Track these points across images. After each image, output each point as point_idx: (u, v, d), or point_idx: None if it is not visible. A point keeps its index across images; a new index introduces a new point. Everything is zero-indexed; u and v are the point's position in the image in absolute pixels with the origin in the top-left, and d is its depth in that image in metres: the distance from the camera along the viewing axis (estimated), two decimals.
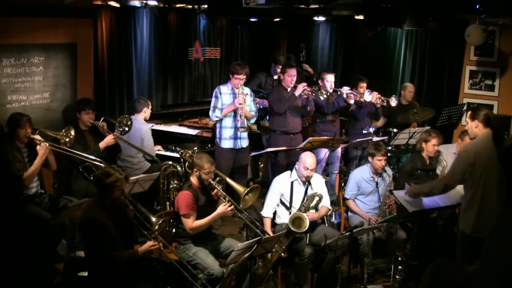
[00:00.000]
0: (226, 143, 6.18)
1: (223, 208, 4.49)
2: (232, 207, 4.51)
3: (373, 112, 6.89)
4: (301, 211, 4.86)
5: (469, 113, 4.48)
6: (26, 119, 4.86)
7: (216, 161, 5.98)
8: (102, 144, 5.60)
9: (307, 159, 5.02)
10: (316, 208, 5.02)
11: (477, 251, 3.52)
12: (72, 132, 5.20)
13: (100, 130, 5.76)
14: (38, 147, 4.84)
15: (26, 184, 4.86)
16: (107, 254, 3.88)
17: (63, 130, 5.18)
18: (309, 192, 5.05)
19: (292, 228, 4.67)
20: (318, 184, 5.17)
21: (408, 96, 7.46)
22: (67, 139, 5.15)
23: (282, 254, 4.65)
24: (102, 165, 5.07)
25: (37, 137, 4.92)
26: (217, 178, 4.78)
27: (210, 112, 6.18)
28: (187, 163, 5.51)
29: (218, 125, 6.22)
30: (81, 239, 4.35)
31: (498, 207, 4.09)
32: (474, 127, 4.36)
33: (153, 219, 4.22)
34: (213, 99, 6.16)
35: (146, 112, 6.15)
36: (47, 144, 4.90)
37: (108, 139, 5.64)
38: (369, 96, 6.58)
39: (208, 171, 4.55)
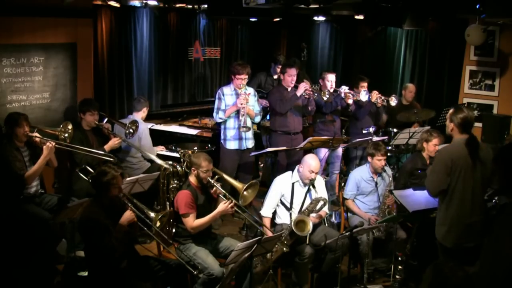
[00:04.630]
0: (231, 144, 6.17)
1: (224, 206, 4.47)
2: (233, 204, 4.50)
3: (374, 111, 6.89)
4: (305, 214, 4.84)
5: (450, 111, 4.11)
6: (23, 117, 4.87)
7: (220, 163, 6.01)
8: (107, 147, 5.60)
9: (312, 162, 4.99)
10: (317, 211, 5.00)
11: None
12: (70, 127, 5.19)
13: (105, 132, 5.76)
14: (44, 147, 4.83)
15: (27, 184, 4.86)
16: (109, 246, 3.86)
17: (61, 126, 5.18)
18: (313, 194, 5.03)
19: (295, 231, 4.67)
20: (320, 186, 5.16)
21: (408, 96, 7.46)
22: (66, 135, 5.15)
23: (284, 249, 4.63)
24: (111, 159, 5.21)
25: (36, 135, 4.92)
26: (216, 176, 4.77)
27: (214, 114, 6.17)
28: (186, 163, 5.51)
29: (222, 126, 6.20)
30: (81, 239, 4.36)
31: (470, 217, 3.95)
32: (450, 130, 4.08)
33: (152, 215, 4.22)
34: (216, 101, 6.15)
35: (145, 112, 6.17)
36: (54, 144, 4.89)
37: (113, 142, 5.63)
38: (365, 96, 6.55)
39: (206, 169, 4.55)
